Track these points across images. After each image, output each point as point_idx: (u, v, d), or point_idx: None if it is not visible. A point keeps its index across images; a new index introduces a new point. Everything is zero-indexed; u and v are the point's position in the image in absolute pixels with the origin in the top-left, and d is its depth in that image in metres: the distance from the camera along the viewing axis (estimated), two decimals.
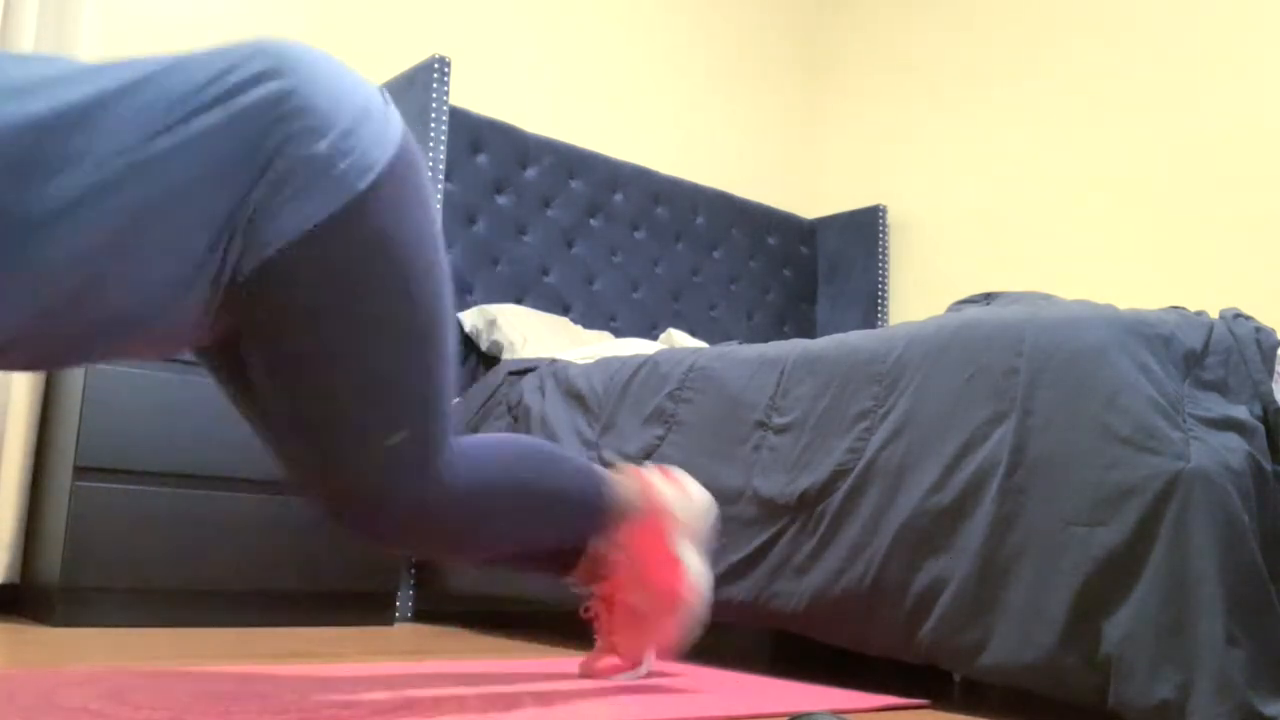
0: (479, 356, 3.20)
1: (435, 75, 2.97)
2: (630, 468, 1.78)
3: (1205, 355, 1.63)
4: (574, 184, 3.57)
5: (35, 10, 2.63)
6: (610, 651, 1.79)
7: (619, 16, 3.91)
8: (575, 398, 2.50)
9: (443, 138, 2.97)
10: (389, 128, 1.36)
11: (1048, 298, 2.07)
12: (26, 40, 2.60)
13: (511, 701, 1.50)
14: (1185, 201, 3.27)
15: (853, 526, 1.83)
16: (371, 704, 1.42)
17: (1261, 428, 1.59)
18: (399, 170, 1.35)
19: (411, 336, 1.36)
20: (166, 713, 1.28)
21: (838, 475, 1.88)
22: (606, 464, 2.32)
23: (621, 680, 1.77)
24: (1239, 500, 1.47)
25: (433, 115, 2.96)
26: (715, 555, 2.05)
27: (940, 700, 1.80)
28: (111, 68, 1.22)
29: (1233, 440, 1.53)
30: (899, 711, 1.62)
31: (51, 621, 2.31)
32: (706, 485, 2.10)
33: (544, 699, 1.54)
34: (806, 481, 1.92)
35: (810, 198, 4.36)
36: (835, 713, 1.38)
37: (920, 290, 3.95)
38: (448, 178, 3.26)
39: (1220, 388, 1.61)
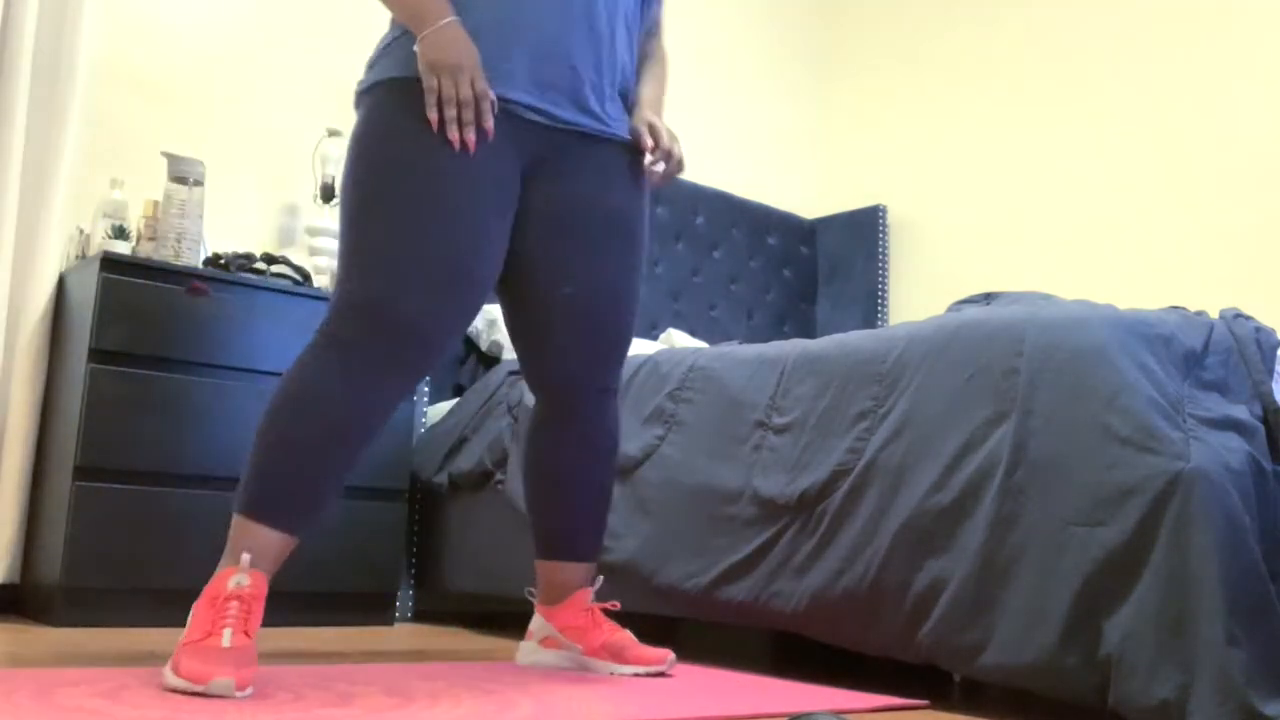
0: (479, 356, 3.20)
1: None
2: None
3: (1205, 355, 1.63)
4: None
5: (35, 10, 2.63)
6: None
7: None
8: None
9: None
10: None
11: (1048, 298, 2.07)
12: (27, 40, 2.61)
13: (509, 701, 1.50)
14: (1185, 201, 3.27)
15: (853, 526, 1.83)
16: (371, 704, 1.42)
17: (1261, 428, 1.59)
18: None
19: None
20: (164, 712, 1.28)
21: (838, 475, 1.88)
22: None
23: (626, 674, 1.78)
24: (1239, 500, 1.47)
25: None
26: (715, 555, 2.05)
27: (940, 700, 1.80)
28: None
29: (1233, 440, 1.53)
30: (899, 711, 1.62)
31: (51, 621, 2.31)
32: (706, 485, 2.10)
33: (543, 699, 1.54)
34: (806, 481, 1.92)
35: (810, 198, 4.36)
36: (835, 713, 1.38)
37: (920, 290, 3.95)
38: None
39: (1220, 388, 1.61)
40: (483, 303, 1.72)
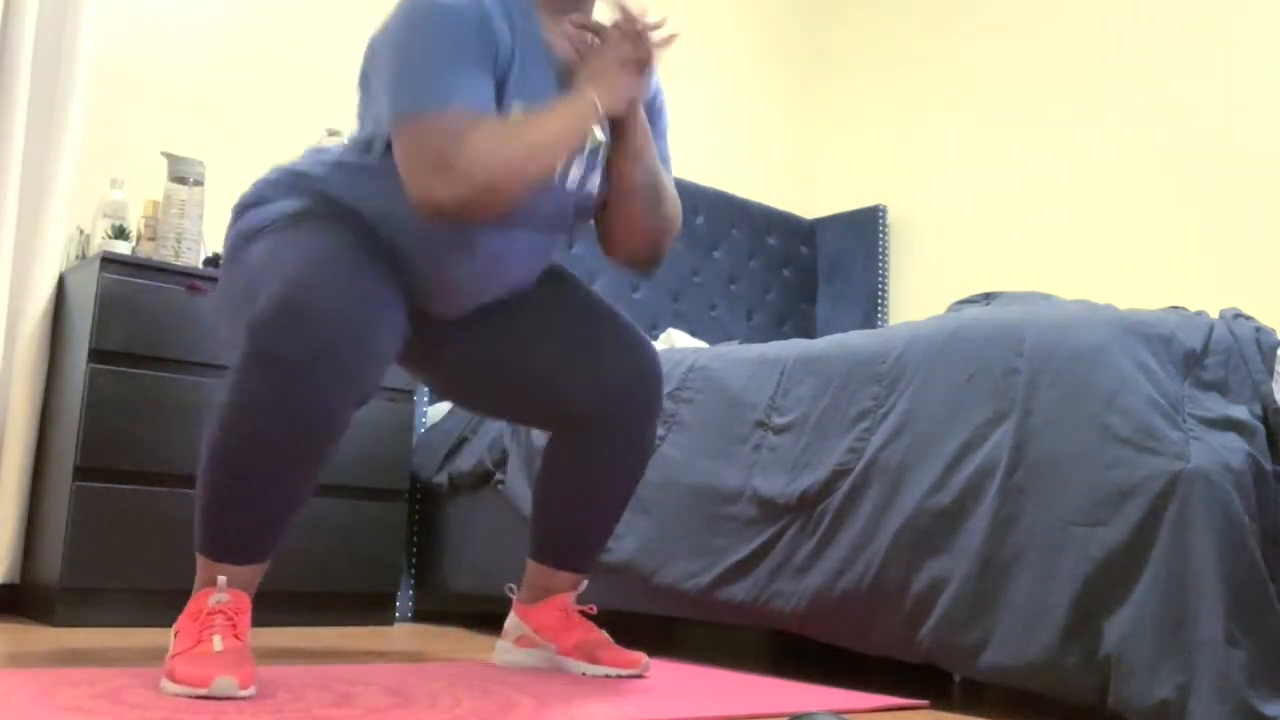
0: None
1: None
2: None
3: (1205, 355, 1.63)
4: None
5: (35, 10, 2.63)
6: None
7: None
8: None
9: None
10: None
11: (1048, 298, 2.07)
12: (27, 40, 2.61)
13: (509, 702, 1.50)
14: (1185, 201, 3.27)
15: (853, 526, 1.83)
16: (371, 704, 1.42)
17: (1261, 428, 1.59)
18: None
19: None
20: (165, 712, 1.28)
21: (838, 475, 1.88)
22: None
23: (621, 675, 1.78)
24: (1239, 500, 1.47)
25: None
26: (715, 555, 2.04)
27: (940, 700, 1.80)
28: None
29: (1233, 440, 1.53)
30: (899, 711, 1.62)
31: (51, 621, 2.31)
32: (706, 485, 2.10)
33: (543, 699, 1.54)
34: (807, 481, 1.92)
35: (810, 198, 4.35)
36: (835, 713, 1.38)
37: (920, 290, 3.94)
38: None
39: (1220, 388, 1.61)
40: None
